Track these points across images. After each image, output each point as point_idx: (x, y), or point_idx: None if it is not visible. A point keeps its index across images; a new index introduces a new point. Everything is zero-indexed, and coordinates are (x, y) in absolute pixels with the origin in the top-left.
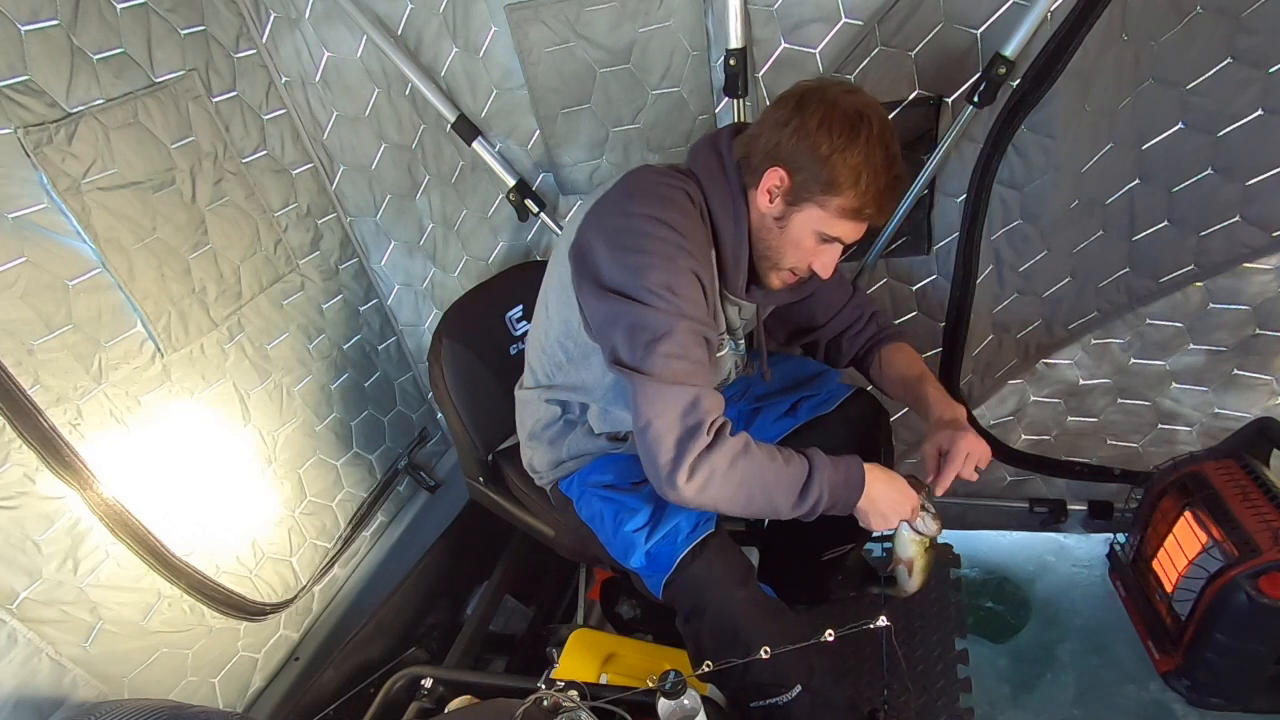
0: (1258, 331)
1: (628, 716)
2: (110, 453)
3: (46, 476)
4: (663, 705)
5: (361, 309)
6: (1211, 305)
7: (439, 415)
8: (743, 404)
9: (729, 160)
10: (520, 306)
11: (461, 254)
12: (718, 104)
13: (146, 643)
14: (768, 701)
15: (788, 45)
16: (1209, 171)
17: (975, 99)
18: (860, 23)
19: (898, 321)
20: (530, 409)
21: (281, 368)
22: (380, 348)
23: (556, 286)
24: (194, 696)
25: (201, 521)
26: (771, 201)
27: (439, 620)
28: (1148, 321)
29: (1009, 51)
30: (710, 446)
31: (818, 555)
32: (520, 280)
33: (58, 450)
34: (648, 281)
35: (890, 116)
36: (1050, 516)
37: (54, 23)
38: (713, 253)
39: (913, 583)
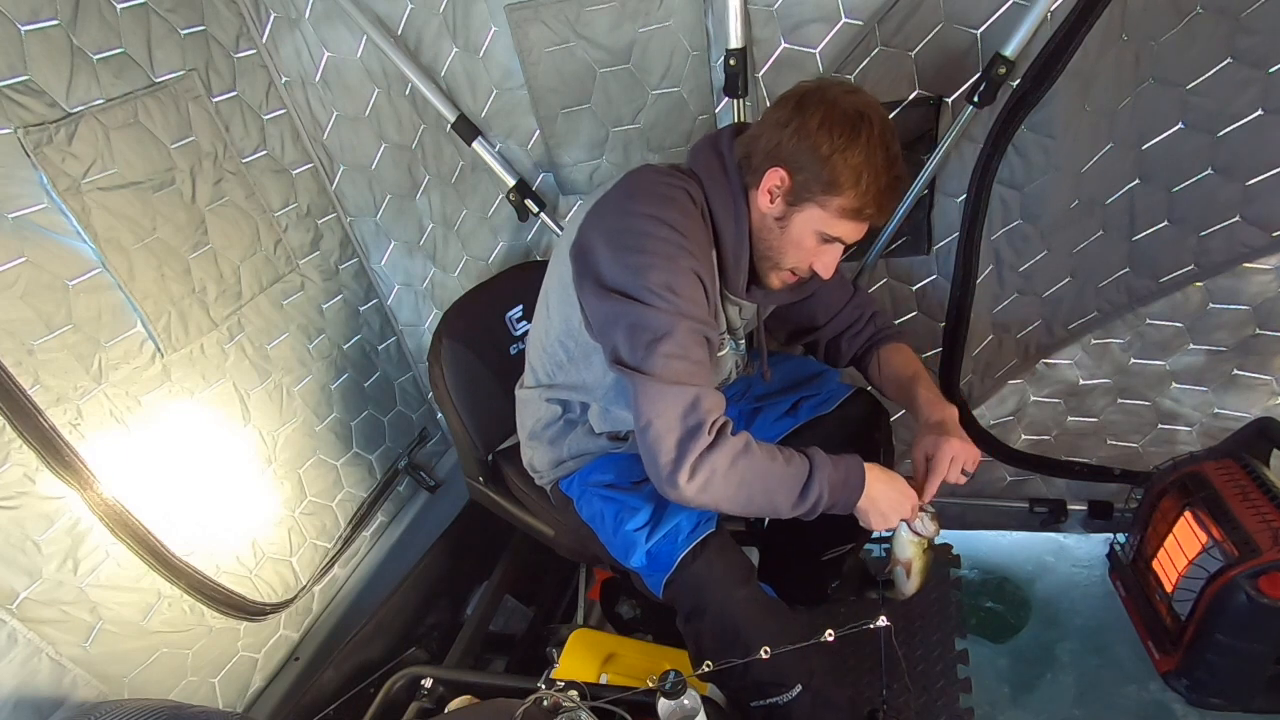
0: (1258, 331)
1: (628, 716)
2: (110, 453)
3: (46, 476)
4: (663, 705)
5: (361, 309)
6: (1211, 305)
7: (439, 415)
8: (743, 403)
9: (730, 160)
10: (520, 306)
11: (461, 254)
12: (718, 104)
13: (146, 643)
14: (768, 701)
15: (788, 45)
16: (1209, 171)
17: (975, 99)
18: (860, 23)
19: (898, 321)
20: (531, 408)
21: (281, 368)
22: (380, 348)
23: (557, 286)
24: (194, 696)
25: (201, 521)
26: (772, 202)
27: (439, 620)
28: (1148, 321)
29: (1009, 51)
30: (711, 446)
31: (818, 555)
32: (520, 280)
33: (58, 450)
34: (649, 281)
35: (890, 116)
36: (1050, 516)
37: (54, 23)
38: (713, 252)
39: (911, 584)
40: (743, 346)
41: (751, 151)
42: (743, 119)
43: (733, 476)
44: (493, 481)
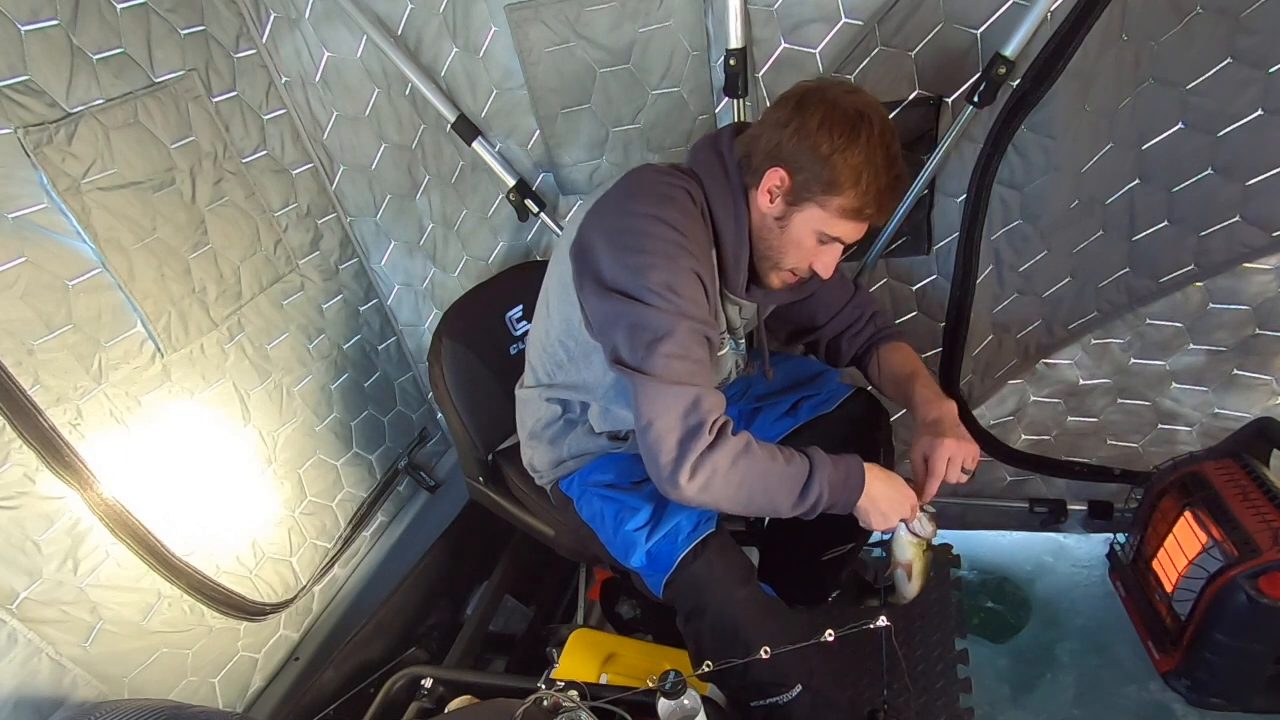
0: (1258, 331)
1: (628, 716)
2: (110, 453)
3: (46, 476)
4: (663, 705)
5: (361, 309)
6: (1211, 305)
7: (439, 415)
8: (743, 403)
9: (730, 160)
10: (520, 306)
11: (461, 254)
12: (718, 104)
13: (146, 643)
14: (768, 701)
15: (788, 45)
16: (1209, 171)
17: (975, 99)
18: (860, 23)
19: (898, 321)
20: (531, 408)
21: (281, 368)
22: (380, 348)
23: (557, 285)
24: (194, 696)
25: (201, 521)
26: (772, 201)
27: (439, 620)
28: (1148, 321)
29: (1009, 51)
30: (712, 446)
31: (818, 555)
32: (520, 280)
33: (58, 450)
34: (649, 281)
35: (890, 116)
36: (1050, 516)
37: (54, 23)
38: (713, 252)
39: (911, 587)
40: (743, 346)
41: (751, 151)
42: (743, 119)
43: (733, 476)
44: (493, 481)
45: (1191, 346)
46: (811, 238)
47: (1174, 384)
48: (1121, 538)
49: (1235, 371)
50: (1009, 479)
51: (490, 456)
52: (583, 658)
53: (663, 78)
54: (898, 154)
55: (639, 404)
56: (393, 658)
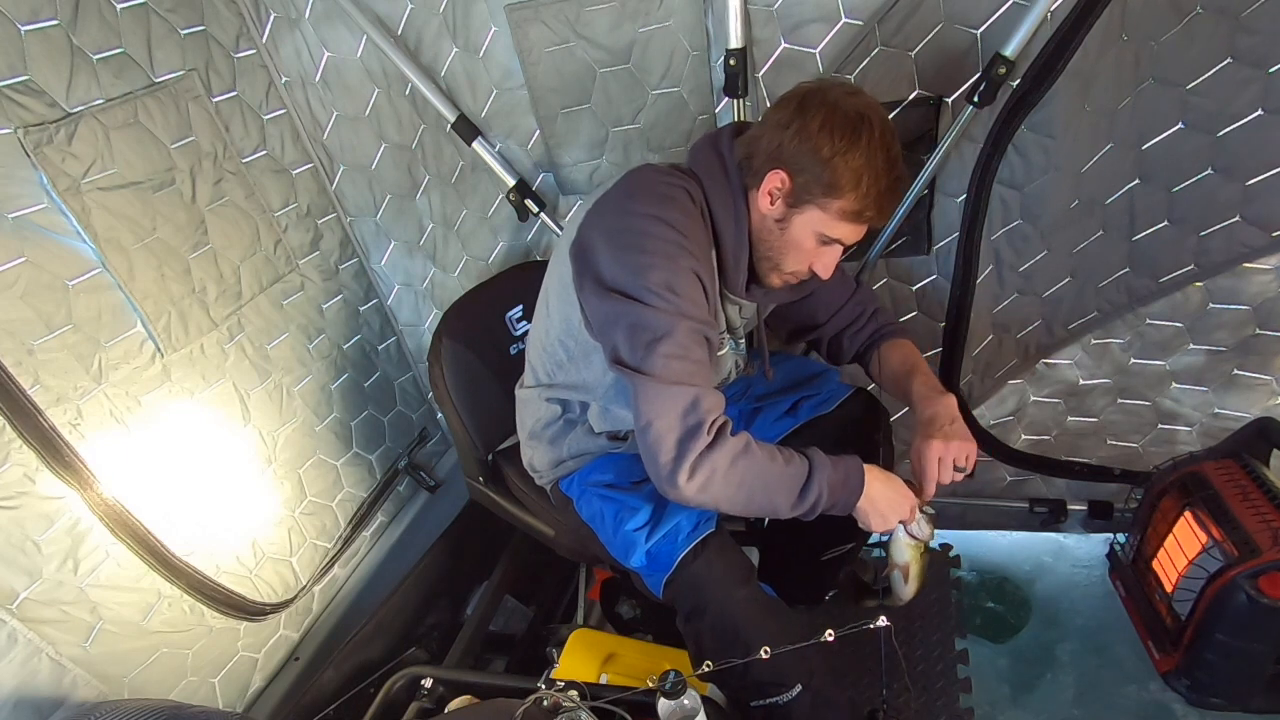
0: (1258, 331)
1: (628, 716)
2: (110, 453)
3: (46, 476)
4: (663, 705)
5: (361, 309)
6: (1211, 305)
7: (439, 415)
8: (743, 403)
9: (730, 160)
10: (520, 306)
11: (461, 254)
12: (718, 104)
13: (146, 643)
14: (768, 701)
15: (788, 45)
16: (1209, 171)
17: (975, 99)
18: (860, 23)
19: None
20: (531, 408)
21: (281, 368)
22: (380, 348)
23: (557, 285)
24: (194, 696)
25: (201, 521)
26: (773, 203)
27: (439, 620)
28: (1148, 321)
29: (1009, 51)
30: (711, 446)
31: (818, 555)
32: (520, 280)
33: (58, 450)
34: (649, 281)
35: (890, 117)
36: (1050, 516)
37: (54, 23)
38: (713, 252)
39: (909, 589)
40: (743, 346)
41: (752, 153)
42: (743, 119)
43: (732, 476)
44: (493, 481)
45: (1191, 346)
46: (812, 239)
47: (1174, 384)
48: (1121, 538)
49: (1235, 371)
50: (1009, 479)
51: (490, 456)
52: (583, 658)
53: (663, 78)
54: (898, 156)
55: (638, 404)
56: (393, 658)
